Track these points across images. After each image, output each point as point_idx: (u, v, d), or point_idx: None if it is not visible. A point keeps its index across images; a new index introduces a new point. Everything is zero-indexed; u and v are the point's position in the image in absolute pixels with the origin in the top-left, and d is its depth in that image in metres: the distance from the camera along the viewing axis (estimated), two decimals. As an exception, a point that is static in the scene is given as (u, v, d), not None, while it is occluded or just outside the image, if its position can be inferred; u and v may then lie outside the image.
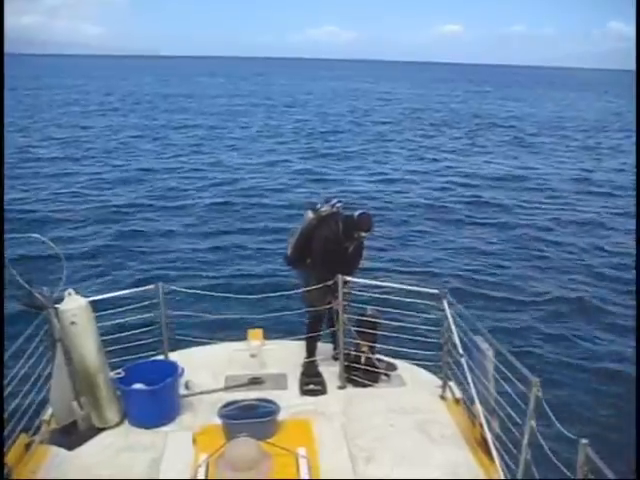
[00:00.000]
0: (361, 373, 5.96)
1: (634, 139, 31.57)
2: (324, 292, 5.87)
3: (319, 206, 6.09)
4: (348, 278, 5.82)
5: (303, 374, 6.04)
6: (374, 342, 6.07)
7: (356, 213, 5.87)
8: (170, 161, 26.88)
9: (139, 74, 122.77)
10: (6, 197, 16.84)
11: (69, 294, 4.96)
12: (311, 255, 6.02)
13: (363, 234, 5.84)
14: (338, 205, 6.05)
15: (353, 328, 6.02)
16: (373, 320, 6.03)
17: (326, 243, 5.87)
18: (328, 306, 5.94)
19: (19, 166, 24.41)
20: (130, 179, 23.13)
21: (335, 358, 6.16)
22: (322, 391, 5.82)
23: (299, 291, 6.15)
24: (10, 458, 4.54)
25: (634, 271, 13.10)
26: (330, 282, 5.77)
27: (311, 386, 5.86)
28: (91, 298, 5.18)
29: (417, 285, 6.05)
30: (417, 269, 13.67)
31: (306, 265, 6.12)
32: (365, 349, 6.01)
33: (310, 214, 6.07)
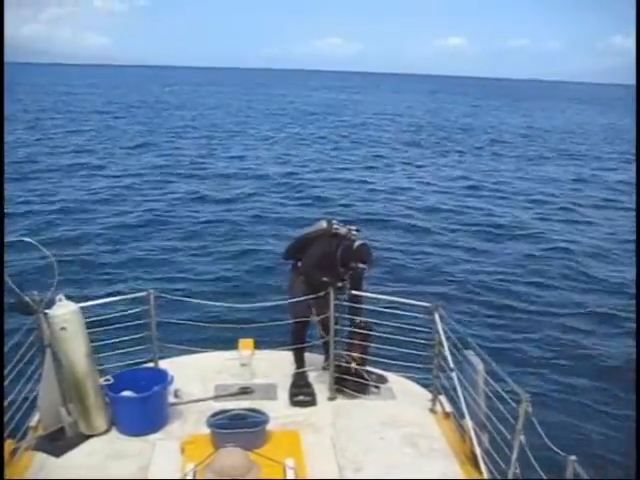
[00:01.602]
0: (350, 384, 5.94)
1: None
2: (307, 302, 5.86)
3: (335, 222, 6.03)
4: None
5: (293, 385, 6.02)
6: (365, 353, 6.06)
7: (356, 243, 5.80)
8: (165, 171, 26.87)
9: (143, 83, 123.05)
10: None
11: (60, 299, 4.93)
12: (302, 261, 6.02)
13: (360, 265, 5.79)
14: (355, 232, 5.96)
15: (344, 340, 6.01)
16: (365, 332, 6.02)
17: (321, 258, 5.87)
18: (308, 319, 5.95)
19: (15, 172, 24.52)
20: (124, 187, 23.12)
21: (325, 369, 6.15)
22: (312, 402, 5.79)
23: (290, 301, 6.13)
24: None
25: (632, 286, 13.18)
26: (313, 296, 5.79)
27: (301, 397, 5.83)
28: (82, 304, 5.14)
29: (409, 298, 6.05)
30: (409, 282, 13.68)
31: (296, 268, 6.12)
32: (356, 359, 6.00)
33: (323, 224, 6.02)
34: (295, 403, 5.76)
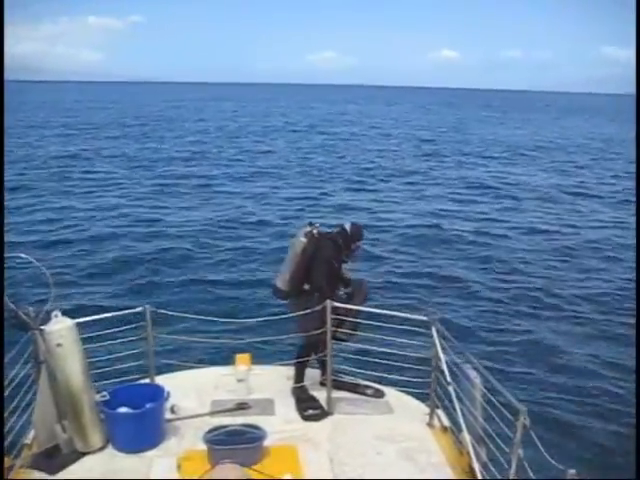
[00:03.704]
0: (346, 325, 5.93)
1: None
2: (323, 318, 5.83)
3: (306, 230, 6.05)
4: (337, 304, 5.79)
5: (298, 400, 5.98)
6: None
7: (347, 226, 6.08)
8: (161, 185, 26.95)
9: (142, 99, 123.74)
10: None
11: (55, 315, 4.91)
12: (312, 280, 5.97)
13: (358, 244, 6.07)
14: (317, 226, 6.09)
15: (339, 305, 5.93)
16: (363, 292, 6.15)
17: (330, 264, 5.92)
18: (323, 330, 5.91)
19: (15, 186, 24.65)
20: (123, 203, 23.19)
21: (322, 384, 6.12)
22: (323, 414, 5.77)
23: (287, 316, 6.11)
24: None
25: (630, 299, 13.21)
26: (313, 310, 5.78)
27: (310, 411, 5.80)
28: (77, 320, 5.12)
29: (406, 312, 6.05)
30: (406, 296, 13.68)
31: (305, 292, 6.05)
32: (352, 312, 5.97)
33: (302, 238, 6.02)
34: (306, 418, 5.73)
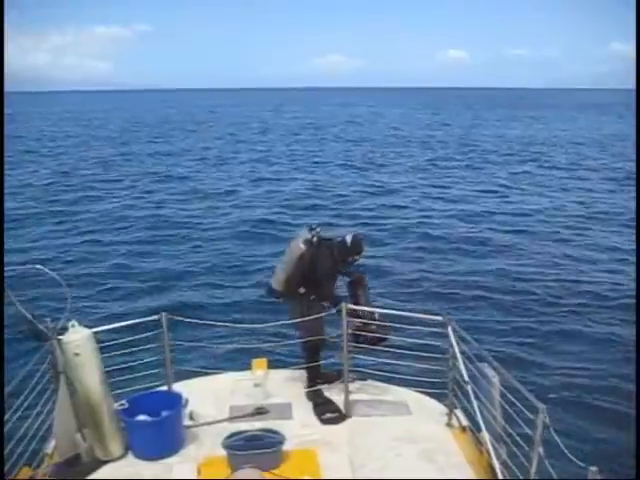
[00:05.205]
0: (365, 338, 5.93)
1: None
2: (324, 320, 5.83)
3: (308, 234, 6.08)
4: (352, 306, 5.80)
5: (315, 405, 5.98)
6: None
7: (348, 238, 5.96)
8: (175, 191, 27.10)
9: (155, 107, 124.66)
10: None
11: (72, 325, 4.95)
12: (313, 283, 5.99)
13: (357, 257, 5.95)
14: (318, 230, 6.08)
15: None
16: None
17: (328, 270, 5.92)
18: (325, 336, 5.94)
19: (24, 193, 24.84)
20: (135, 210, 23.31)
21: (317, 383, 6.14)
22: (341, 417, 5.77)
23: (297, 320, 6.13)
24: None
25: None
26: (333, 311, 5.78)
27: (328, 415, 5.80)
28: (95, 329, 5.17)
29: (422, 312, 6.04)
30: (422, 295, 13.63)
31: (300, 295, 6.07)
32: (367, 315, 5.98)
33: (301, 245, 6.03)
34: (325, 421, 5.72)
